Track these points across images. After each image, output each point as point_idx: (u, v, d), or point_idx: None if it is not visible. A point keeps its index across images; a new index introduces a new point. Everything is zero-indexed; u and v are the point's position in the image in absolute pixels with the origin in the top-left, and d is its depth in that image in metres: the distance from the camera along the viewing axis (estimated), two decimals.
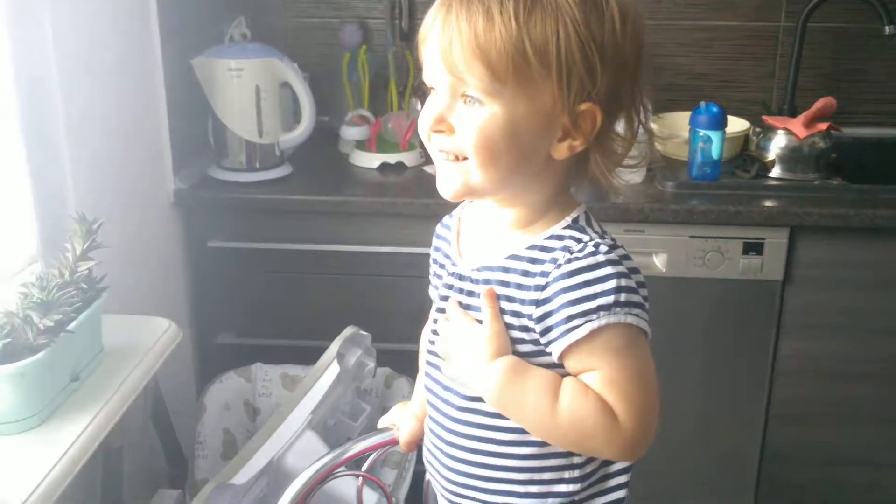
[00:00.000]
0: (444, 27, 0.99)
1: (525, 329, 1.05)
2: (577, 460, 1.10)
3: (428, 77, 1.04)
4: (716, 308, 2.13)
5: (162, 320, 1.60)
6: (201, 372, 2.21)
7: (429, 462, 1.23)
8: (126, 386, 1.42)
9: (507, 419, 1.07)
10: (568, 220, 1.07)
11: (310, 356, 1.90)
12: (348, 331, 1.87)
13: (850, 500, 2.30)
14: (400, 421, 1.39)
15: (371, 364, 1.91)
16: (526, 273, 1.04)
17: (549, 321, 1.02)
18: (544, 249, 1.05)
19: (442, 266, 1.17)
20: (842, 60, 2.52)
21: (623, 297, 1.00)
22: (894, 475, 2.28)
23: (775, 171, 2.22)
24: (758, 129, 2.28)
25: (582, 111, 1.00)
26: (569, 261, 1.01)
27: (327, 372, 1.79)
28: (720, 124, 2.10)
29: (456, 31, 0.97)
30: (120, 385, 1.41)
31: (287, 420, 1.73)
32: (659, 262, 2.08)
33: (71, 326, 1.33)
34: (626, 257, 1.04)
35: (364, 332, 1.89)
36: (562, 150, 1.02)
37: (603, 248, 1.02)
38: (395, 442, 1.39)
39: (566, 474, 1.10)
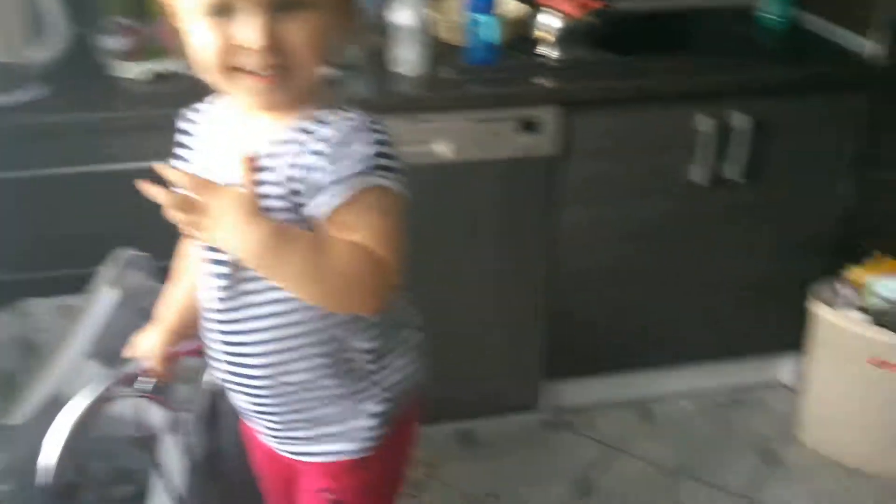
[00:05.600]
0: None
1: (291, 204, 1.00)
2: (370, 320, 1.10)
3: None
4: (501, 187, 2.03)
5: None
6: None
7: (231, 382, 1.16)
8: None
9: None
10: (327, 101, 1.04)
11: (86, 285, 1.65)
12: (123, 254, 1.64)
13: (631, 340, 2.31)
14: (148, 342, 1.30)
15: (154, 284, 1.69)
16: (290, 153, 1.00)
17: (313, 191, 0.99)
18: (305, 131, 1.01)
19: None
20: None
21: (382, 161, 0.99)
22: (668, 319, 2.30)
23: (550, 51, 2.09)
24: (532, 11, 2.13)
25: None
26: (330, 133, 0.99)
27: (104, 297, 1.57)
28: (494, 7, 1.95)
29: None
30: None
31: (64, 353, 1.52)
32: (444, 147, 1.94)
33: None
34: (382, 129, 1.02)
35: (142, 253, 1.67)
36: (346, 34, 1.03)
37: (361, 119, 1.01)
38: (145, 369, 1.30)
39: (359, 338, 1.11)
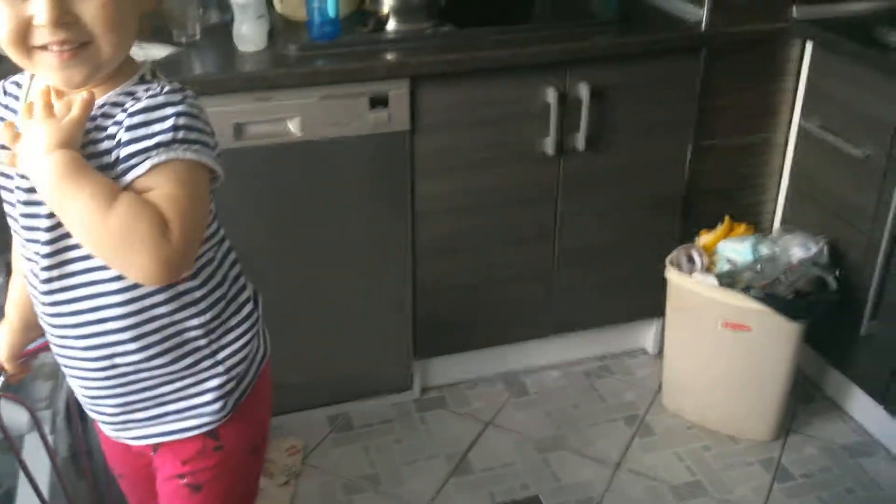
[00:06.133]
0: None
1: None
2: (198, 292, 1.15)
3: None
4: (353, 164, 2.12)
5: None
6: None
7: (64, 366, 1.20)
8: None
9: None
10: (136, 76, 1.09)
11: None
12: None
13: (497, 314, 2.44)
14: None
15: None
16: (99, 128, 1.05)
17: (119, 163, 1.02)
18: (115, 104, 1.06)
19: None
20: None
21: (181, 134, 1.02)
22: (532, 292, 2.44)
23: (391, 24, 2.20)
24: None
25: None
26: (133, 106, 1.03)
27: None
28: None
29: None
30: None
31: None
32: (293, 126, 2.01)
33: None
34: (190, 100, 1.06)
35: None
36: (150, 2, 1.07)
37: (165, 91, 1.05)
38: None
39: (189, 310, 1.15)
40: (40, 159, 1.00)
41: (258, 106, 1.97)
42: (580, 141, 2.24)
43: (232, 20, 2.05)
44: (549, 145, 2.22)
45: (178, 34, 2.05)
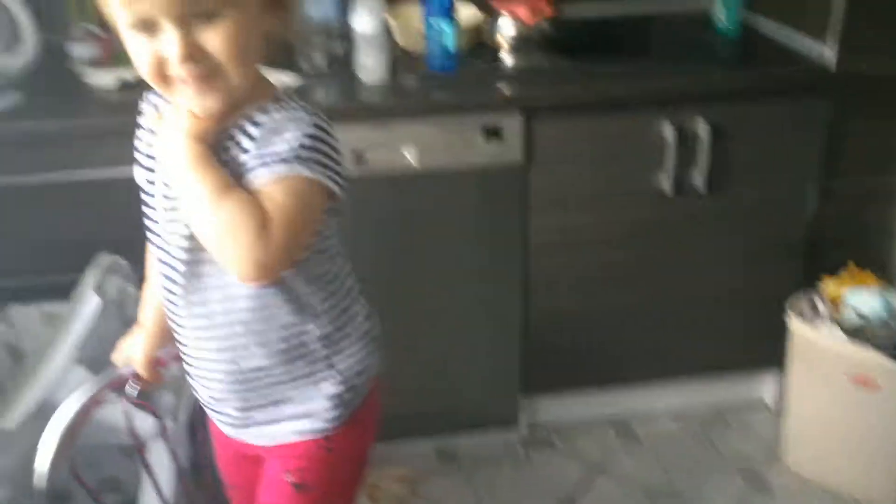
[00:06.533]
0: None
1: None
2: (318, 302, 1.28)
3: (140, 14, 1.08)
4: (468, 194, 2.22)
5: None
6: None
7: (191, 368, 1.35)
8: None
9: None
10: (271, 96, 1.21)
11: (69, 291, 1.84)
12: (103, 260, 1.82)
13: (609, 355, 2.48)
14: (131, 348, 1.48)
15: (133, 290, 1.86)
16: (232, 139, 1.18)
17: (245, 171, 1.15)
18: (249, 119, 1.18)
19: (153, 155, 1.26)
20: None
21: (304, 152, 1.14)
22: (646, 333, 2.47)
23: (508, 58, 2.33)
24: (488, 17, 2.37)
25: None
26: (265, 121, 1.17)
27: (87, 304, 1.74)
28: (451, 13, 2.17)
29: None
30: None
31: (52, 359, 1.67)
32: (408, 155, 2.13)
33: None
34: (319, 121, 1.18)
35: (122, 261, 1.84)
36: (273, 22, 1.18)
37: (296, 110, 1.18)
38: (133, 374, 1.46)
39: (310, 319, 1.29)
40: (177, 147, 1.16)
41: (377, 134, 2.10)
42: (698, 180, 2.27)
43: (355, 52, 2.21)
44: (665, 183, 2.27)
45: (304, 63, 2.22)
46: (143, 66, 1.13)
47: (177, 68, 1.10)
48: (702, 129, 2.22)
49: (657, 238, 2.36)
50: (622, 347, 2.48)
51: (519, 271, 2.32)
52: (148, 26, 1.09)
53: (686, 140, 2.23)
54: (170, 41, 1.08)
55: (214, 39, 1.09)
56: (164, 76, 1.13)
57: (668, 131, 2.21)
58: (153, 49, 1.10)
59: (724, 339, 2.52)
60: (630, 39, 2.61)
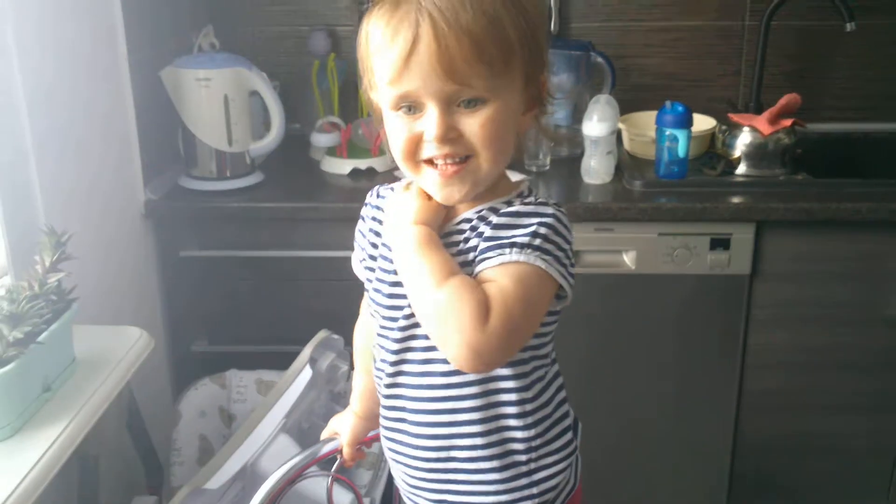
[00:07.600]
0: (427, 38, 1.07)
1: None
2: (528, 406, 1.22)
3: (407, 93, 1.10)
4: (685, 303, 2.18)
5: (134, 329, 1.62)
6: (177, 379, 2.24)
7: (392, 450, 1.32)
8: (98, 395, 1.44)
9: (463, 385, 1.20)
10: (516, 192, 1.21)
11: (284, 361, 1.93)
12: (321, 335, 1.90)
13: (822, 488, 2.35)
14: (340, 426, 1.49)
15: (344, 367, 1.94)
16: (473, 228, 1.18)
17: (477, 255, 1.14)
18: (493, 210, 1.18)
19: (375, 243, 1.28)
20: (805, 57, 2.58)
21: (538, 241, 1.12)
22: (863, 463, 2.32)
23: (741, 168, 2.27)
24: (724, 127, 2.33)
25: (542, 80, 1.16)
26: (506, 210, 1.16)
27: (300, 376, 1.82)
28: (686, 123, 2.15)
29: (451, 40, 1.06)
30: (92, 394, 1.43)
31: (260, 425, 1.76)
32: (628, 259, 2.12)
33: (41, 338, 1.35)
34: (559, 215, 1.16)
35: (336, 336, 1.93)
36: (527, 122, 1.18)
37: (539, 202, 1.17)
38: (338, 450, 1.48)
39: (516, 422, 1.23)
40: (405, 228, 1.17)
41: (597, 236, 2.11)
42: None
43: (581, 154, 2.23)
44: None
45: (530, 163, 2.26)
46: (397, 145, 1.15)
47: (431, 149, 1.12)
48: None
49: (880, 368, 2.23)
50: (837, 480, 2.34)
51: (733, 386, 2.25)
52: (411, 106, 1.11)
53: None
54: (430, 120, 1.10)
55: (473, 125, 1.10)
56: (415, 158, 1.14)
57: None
58: (411, 128, 1.12)
59: None
60: (872, 157, 2.51)
